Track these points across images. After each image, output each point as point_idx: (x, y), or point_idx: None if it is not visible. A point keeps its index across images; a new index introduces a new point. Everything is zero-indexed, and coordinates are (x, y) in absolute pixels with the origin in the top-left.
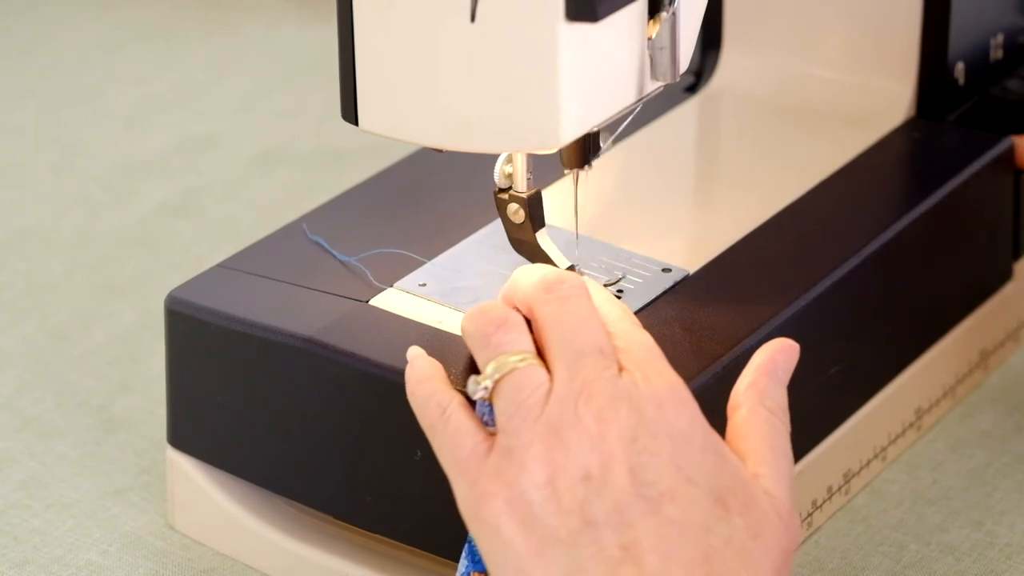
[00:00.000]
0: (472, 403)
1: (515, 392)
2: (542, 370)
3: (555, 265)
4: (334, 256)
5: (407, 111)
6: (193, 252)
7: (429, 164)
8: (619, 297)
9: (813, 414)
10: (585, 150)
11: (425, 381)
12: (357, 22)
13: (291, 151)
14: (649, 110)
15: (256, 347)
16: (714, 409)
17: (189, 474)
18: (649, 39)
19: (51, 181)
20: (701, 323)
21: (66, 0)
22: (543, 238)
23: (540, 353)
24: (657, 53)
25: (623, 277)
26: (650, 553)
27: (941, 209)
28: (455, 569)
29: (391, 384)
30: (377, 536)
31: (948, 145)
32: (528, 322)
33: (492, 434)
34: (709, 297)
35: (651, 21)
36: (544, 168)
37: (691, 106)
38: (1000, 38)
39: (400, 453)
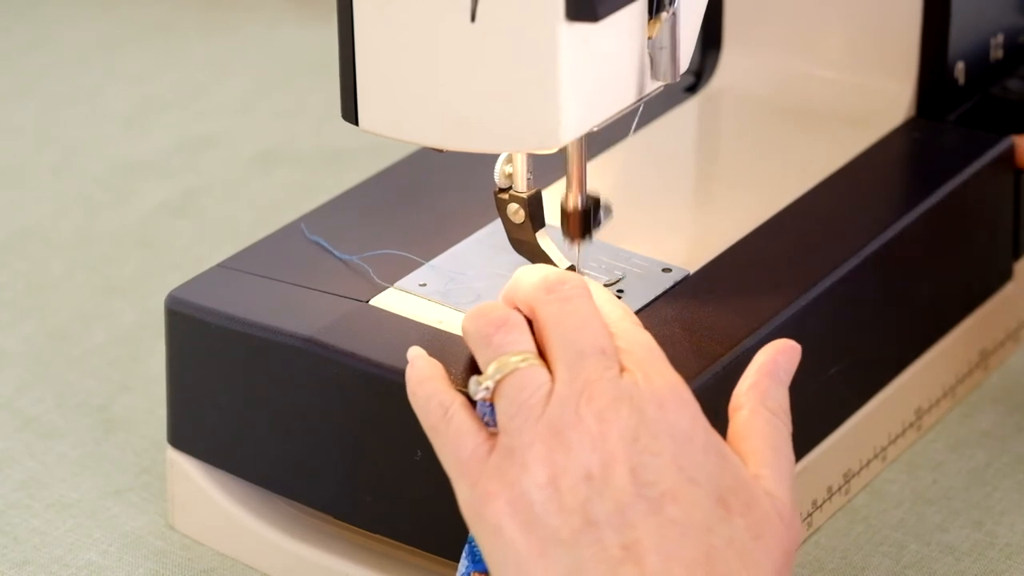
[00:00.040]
0: (473, 403)
1: (516, 392)
2: (543, 370)
3: (555, 265)
4: (334, 255)
5: (407, 111)
6: (193, 252)
7: (429, 164)
8: (619, 297)
9: (813, 414)
10: (586, 222)
11: (426, 381)
12: (357, 22)
13: (291, 151)
14: (649, 110)
15: (256, 347)
16: (714, 409)
17: (189, 474)
18: (649, 39)
19: (51, 181)
20: (701, 323)
21: (66, 0)
22: (543, 238)
23: (541, 354)
24: (657, 53)
25: (623, 277)
26: (651, 553)
27: (941, 209)
28: (455, 569)
29: (391, 384)
30: (377, 536)
31: (948, 145)
32: (529, 322)
33: (493, 434)
34: (709, 297)
35: (651, 21)
36: (544, 168)
37: (691, 106)
38: (1000, 38)
39: (400, 453)
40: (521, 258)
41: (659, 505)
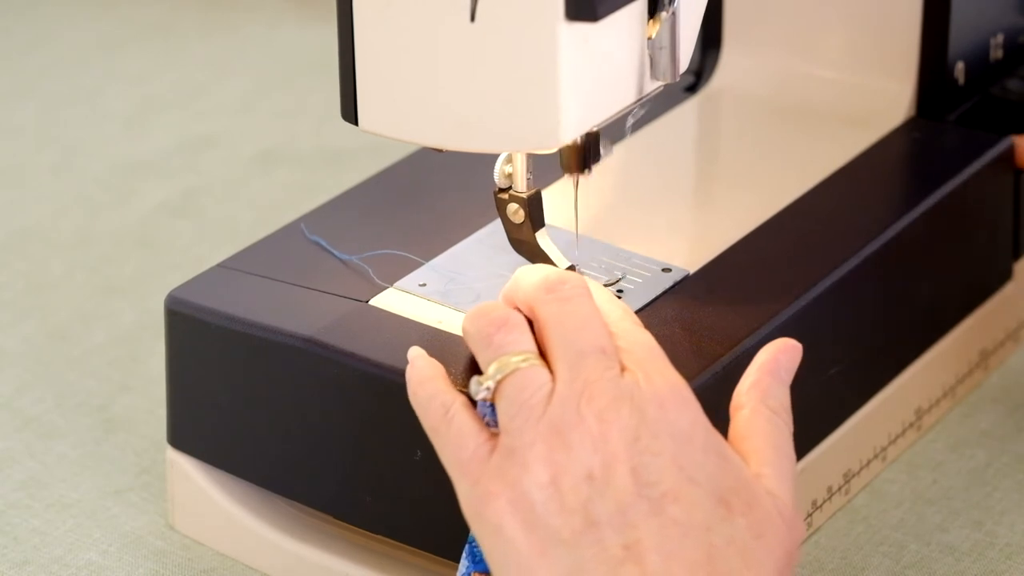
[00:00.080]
0: (474, 403)
1: (517, 393)
2: (544, 370)
3: (555, 265)
4: (334, 255)
5: (407, 111)
6: (193, 252)
7: (429, 164)
8: (619, 297)
9: (813, 414)
10: (585, 155)
11: (427, 382)
12: (357, 22)
13: (291, 151)
14: (649, 110)
15: (256, 347)
16: (715, 409)
17: (189, 474)
18: (649, 39)
19: (51, 181)
20: (701, 323)
21: (66, 0)
22: (543, 238)
23: (542, 354)
24: (657, 53)
25: (623, 277)
26: (652, 553)
27: (941, 209)
28: (455, 569)
29: (391, 384)
30: (377, 536)
31: (948, 145)
32: (530, 323)
33: (494, 435)
34: (709, 297)
35: (651, 21)
36: (544, 168)
37: (691, 106)
38: (1000, 38)
39: (400, 453)
40: (521, 258)
41: (660, 505)
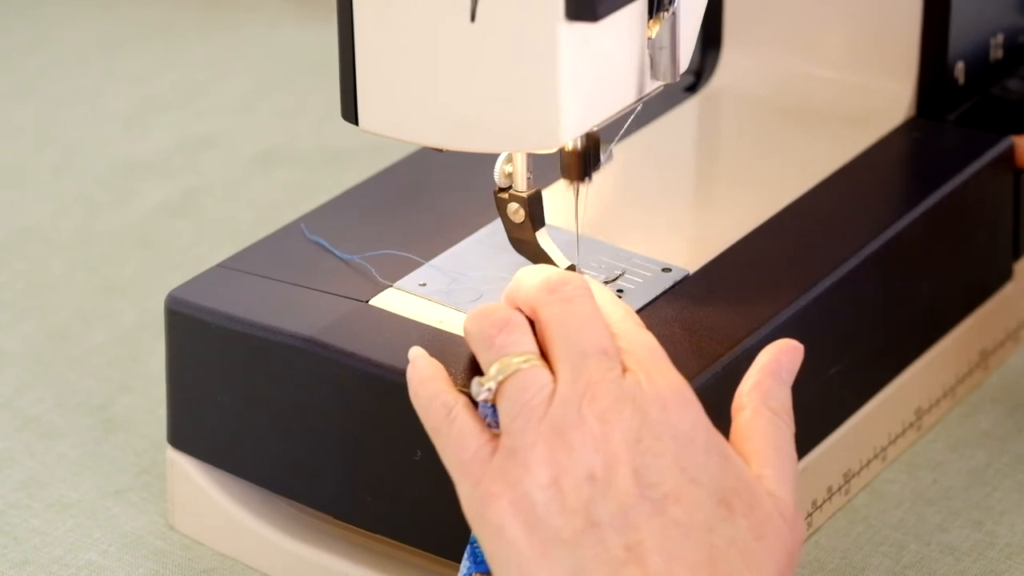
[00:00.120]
0: (475, 404)
1: (519, 393)
2: (546, 371)
3: (556, 265)
4: (334, 255)
5: (407, 111)
6: (193, 252)
7: (429, 164)
8: (619, 296)
9: (813, 414)
10: (586, 162)
11: (428, 382)
12: (357, 22)
13: (291, 151)
14: (649, 110)
15: (256, 347)
16: (715, 409)
17: (189, 474)
18: (649, 39)
19: (51, 181)
20: (701, 323)
21: (66, 0)
22: (543, 238)
23: (543, 354)
24: (657, 53)
25: (622, 274)
26: (654, 554)
27: (941, 209)
28: (456, 569)
29: (391, 384)
30: (377, 536)
31: (948, 145)
32: (531, 323)
33: (496, 435)
34: (709, 297)
35: (651, 21)
36: (544, 168)
37: (691, 106)
38: (1000, 38)
39: (400, 453)
40: (521, 258)
41: (662, 506)
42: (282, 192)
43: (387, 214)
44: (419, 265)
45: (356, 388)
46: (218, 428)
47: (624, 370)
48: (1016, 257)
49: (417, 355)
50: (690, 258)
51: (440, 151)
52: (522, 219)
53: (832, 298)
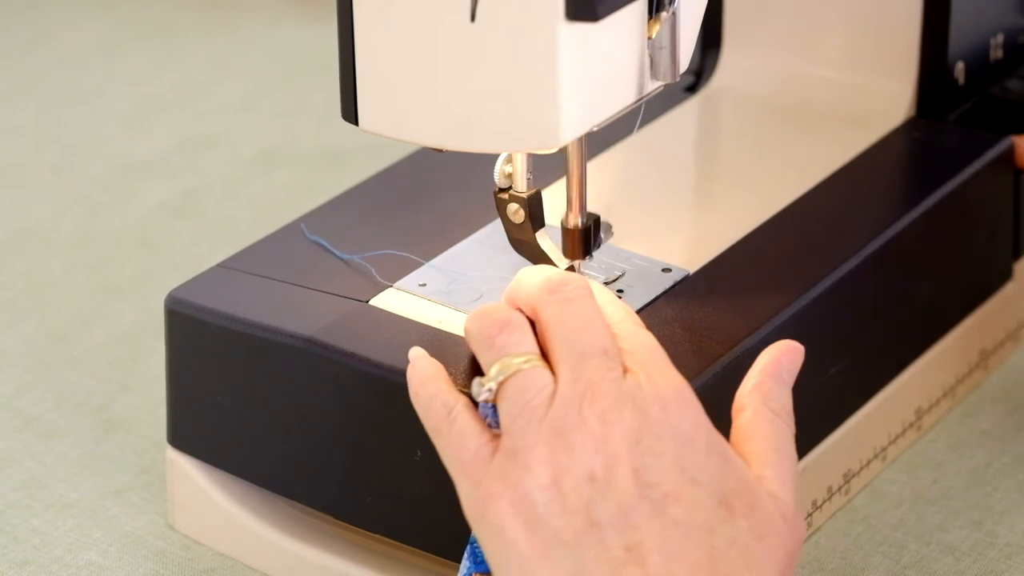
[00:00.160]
0: (475, 404)
1: (519, 394)
2: (546, 372)
3: (555, 265)
4: (334, 255)
5: (407, 111)
6: (193, 252)
7: (429, 164)
8: (619, 297)
9: (813, 414)
10: (587, 240)
11: (428, 382)
12: (357, 22)
13: (291, 151)
14: (649, 110)
15: (256, 347)
16: (715, 409)
17: (189, 474)
18: (649, 39)
19: (51, 181)
20: (701, 323)
21: (66, 0)
22: (543, 238)
23: (544, 355)
24: (657, 53)
25: (622, 274)
26: (654, 554)
27: (941, 209)
28: (456, 569)
29: (391, 384)
30: (377, 536)
31: (948, 145)
32: (532, 324)
33: (496, 436)
34: (709, 297)
35: (651, 21)
36: (544, 168)
37: (691, 106)
38: (1000, 38)
39: (400, 453)
40: (521, 258)
41: (662, 506)
42: (282, 192)
43: (387, 214)
44: (419, 265)
45: (356, 388)
46: (218, 428)
47: (624, 370)
48: (1016, 257)
49: (417, 355)
50: (690, 258)
51: (440, 151)
52: (522, 219)
53: (832, 298)
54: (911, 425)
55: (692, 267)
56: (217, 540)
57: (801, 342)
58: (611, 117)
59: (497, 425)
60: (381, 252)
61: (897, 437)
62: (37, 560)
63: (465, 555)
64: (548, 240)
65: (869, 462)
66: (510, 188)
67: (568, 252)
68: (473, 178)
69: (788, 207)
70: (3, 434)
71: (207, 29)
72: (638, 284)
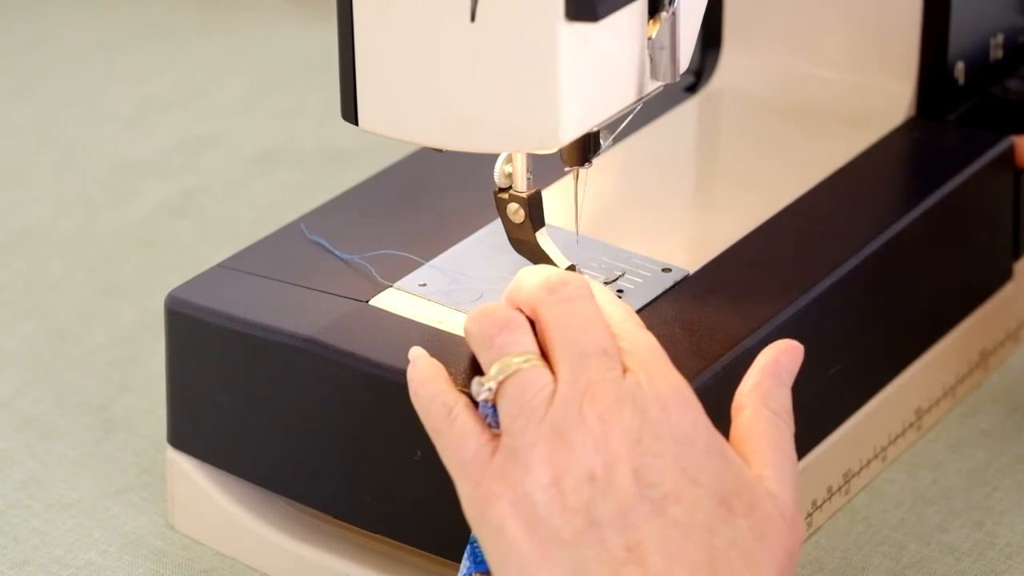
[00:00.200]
0: (475, 404)
1: (519, 393)
2: (546, 371)
3: (556, 265)
4: (334, 255)
5: (407, 111)
6: (193, 252)
7: (429, 164)
8: (619, 297)
9: (813, 414)
10: (586, 148)
11: (429, 382)
12: (357, 22)
13: (291, 151)
14: (649, 110)
15: (256, 347)
16: (715, 409)
17: (189, 474)
18: (649, 39)
19: (51, 181)
20: (701, 323)
21: (66, 0)
22: (543, 238)
23: (544, 354)
24: (657, 53)
25: (622, 274)
26: (654, 554)
27: (941, 209)
28: (456, 569)
29: (391, 384)
30: (377, 536)
31: (948, 145)
32: (532, 323)
33: (496, 436)
34: (709, 297)
35: (651, 21)
36: (544, 168)
37: (691, 106)
38: (1000, 38)
39: (400, 453)
40: (521, 258)
41: (662, 506)
42: (282, 192)
43: (387, 214)
44: (419, 265)
45: (356, 388)
46: (218, 428)
47: (624, 370)
48: (1016, 257)
49: (417, 355)
50: (690, 258)
51: (440, 151)
52: (522, 219)
53: (832, 298)
54: (911, 425)
55: (692, 267)
56: (217, 540)
57: (801, 342)
58: (611, 117)
59: (497, 425)
60: (381, 252)
61: (897, 437)
62: (37, 560)
63: (465, 555)
64: (548, 240)
65: (869, 462)
66: (510, 188)
67: (566, 158)
68: (473, 178)
69: (788, 207)
70: (3, 434)
71: (207, 29)
72: (638, 284)
